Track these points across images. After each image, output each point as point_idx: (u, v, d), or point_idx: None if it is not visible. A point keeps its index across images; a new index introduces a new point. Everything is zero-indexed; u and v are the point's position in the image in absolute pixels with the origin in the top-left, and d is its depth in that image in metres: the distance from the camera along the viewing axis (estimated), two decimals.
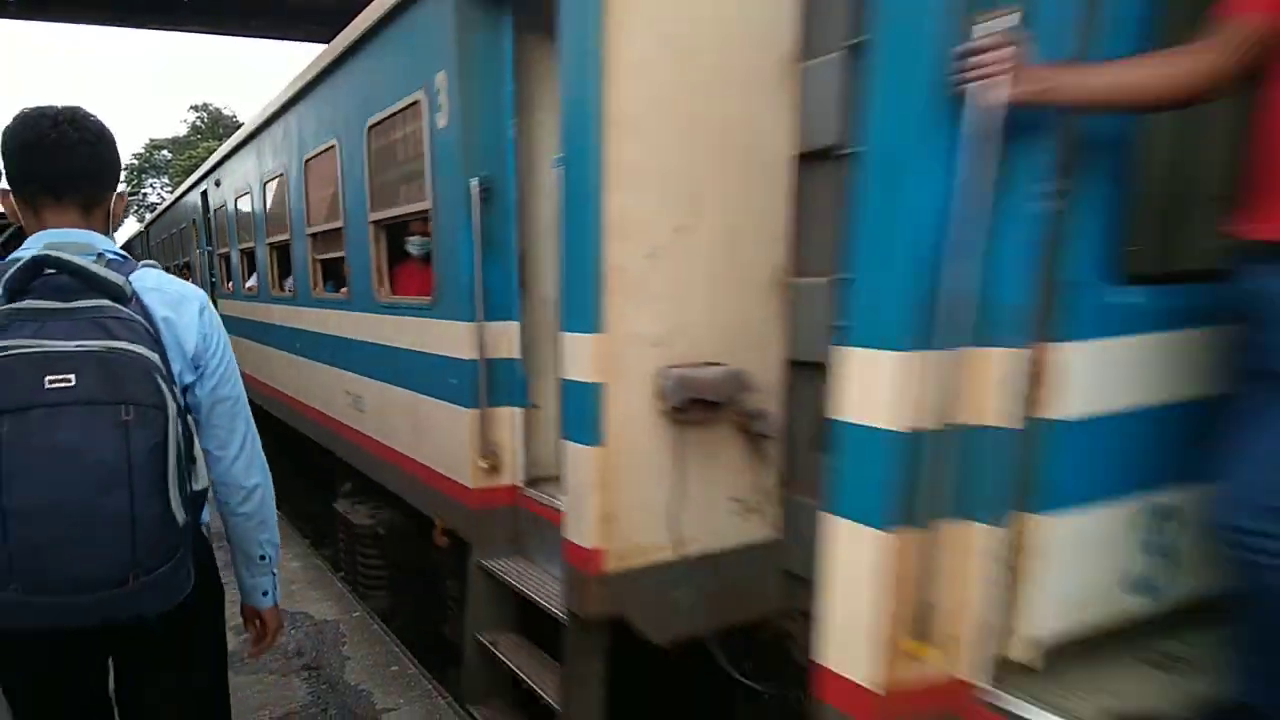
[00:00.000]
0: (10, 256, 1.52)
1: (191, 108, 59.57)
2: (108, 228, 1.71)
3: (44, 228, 1.61)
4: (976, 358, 1.68)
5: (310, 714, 3.54)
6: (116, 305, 1.46)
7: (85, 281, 1.44)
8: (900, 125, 1.68)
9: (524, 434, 3.42)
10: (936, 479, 1.68)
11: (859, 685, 1.79)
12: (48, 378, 1.34)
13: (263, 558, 1.86)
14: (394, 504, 4.66)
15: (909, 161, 1.66)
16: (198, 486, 1.69)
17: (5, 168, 1.63)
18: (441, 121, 3.31)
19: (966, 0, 1.59)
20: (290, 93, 5.23)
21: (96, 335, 1.40)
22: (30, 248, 1.55)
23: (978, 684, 1.78)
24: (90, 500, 1.35)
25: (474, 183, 3.15)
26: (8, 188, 1.64)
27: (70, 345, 1.37)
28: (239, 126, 6.03)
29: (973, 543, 1.74)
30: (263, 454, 1.81)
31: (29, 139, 1.57)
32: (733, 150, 2.41)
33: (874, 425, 1.72)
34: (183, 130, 54.90)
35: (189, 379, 1.63)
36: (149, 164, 54.79)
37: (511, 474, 3.42)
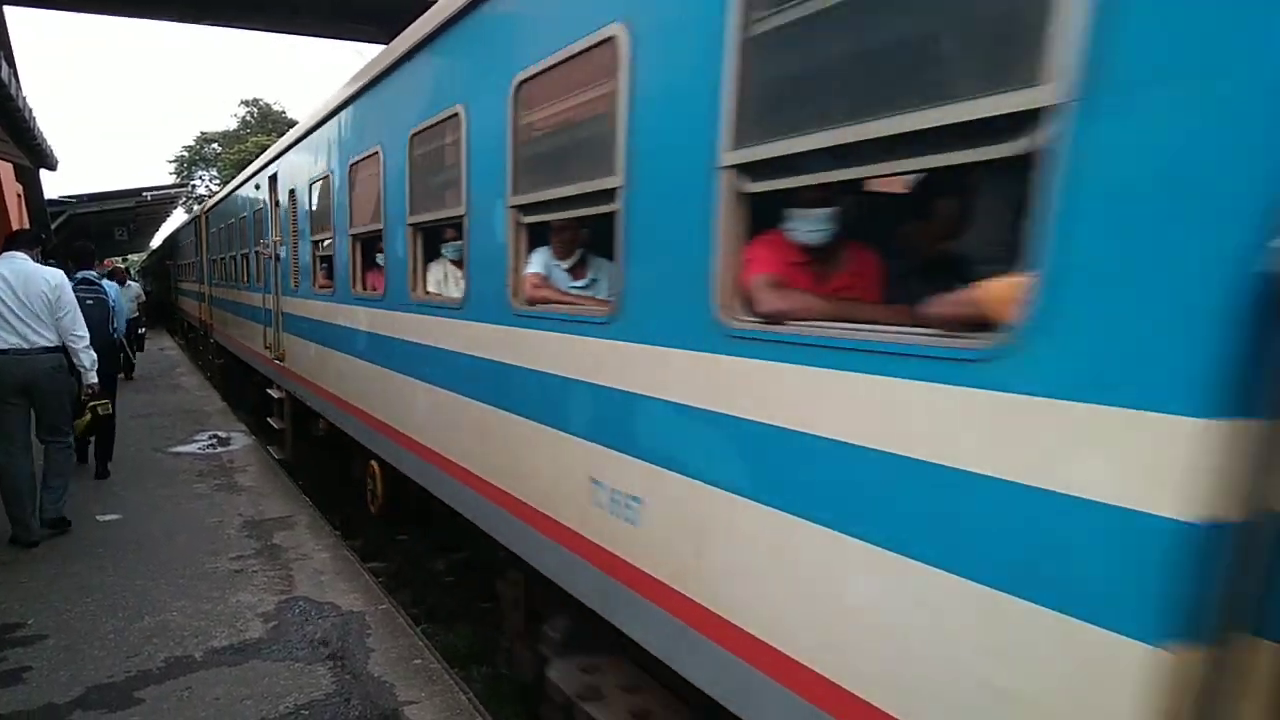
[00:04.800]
0: (73, 277, 6.65)
1: (242, 102, 60.34)
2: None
3: (80, 270, 7.30)
4: None
5: (333, 703, 3.56)
6: (99, 287, 7.30)
7: (91, 282, 7.18)
8: None
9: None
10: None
11: None
12: (87, 300, 6.36)
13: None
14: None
15: None
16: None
17: (84, 257, 7.78)
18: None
19: None
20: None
21: (96, 294, 7.07)
22: (80, 275, 7.12)
23: None
24: (100, 322, 6.80)
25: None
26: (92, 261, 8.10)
27: (91, 295, 6.88)
28: (289, 123, 8.19)
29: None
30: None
31: (87, 249, 8.01)
32: None
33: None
34: (233, 125, 56.38)
35: (112, 301, 7.45)
36: (199, 157, 56.23)
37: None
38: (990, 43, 1.63)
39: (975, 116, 1.52)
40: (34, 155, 9.54)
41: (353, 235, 5.66)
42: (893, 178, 3.03)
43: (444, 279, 4.63)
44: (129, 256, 42.02)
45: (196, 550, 5.53)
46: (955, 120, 1.55)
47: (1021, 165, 1.47)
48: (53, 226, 16.08)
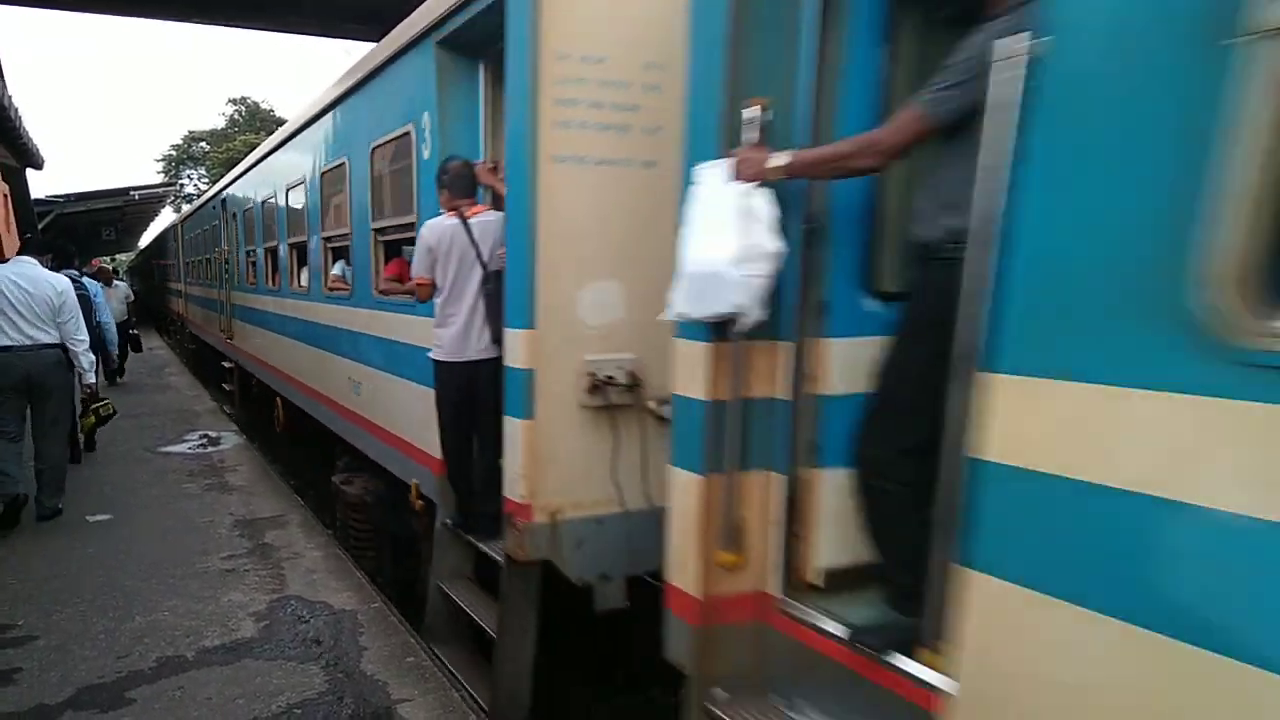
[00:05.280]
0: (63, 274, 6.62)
1: (230, 101, 59.81)
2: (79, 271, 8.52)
3: (63, 269, 6.87)
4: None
5: (326, 701, 3.58)
6: (80, 284, 7.35)
7: (72, 280, 6.60)
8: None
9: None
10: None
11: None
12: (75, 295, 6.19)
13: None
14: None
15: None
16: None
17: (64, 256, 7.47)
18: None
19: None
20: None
21: (78, 291, 6.43)
22: (64, 273, 6.63)
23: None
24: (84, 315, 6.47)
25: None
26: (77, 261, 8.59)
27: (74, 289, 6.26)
28: (277, 121, 8.65)
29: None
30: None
31: (67, 249, 7.63)
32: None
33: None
34: (220, 123, 55.87)
35: (93, 295, 8.24)
36: (187, 155, 55.72)
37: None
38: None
39: (402, 222, 4.68)
40: (20, 154, 9.46)
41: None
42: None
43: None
44: (117, 256, 41.66)
45: (187, 550, 5.52)
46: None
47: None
48: (39, 226, 15.93)
